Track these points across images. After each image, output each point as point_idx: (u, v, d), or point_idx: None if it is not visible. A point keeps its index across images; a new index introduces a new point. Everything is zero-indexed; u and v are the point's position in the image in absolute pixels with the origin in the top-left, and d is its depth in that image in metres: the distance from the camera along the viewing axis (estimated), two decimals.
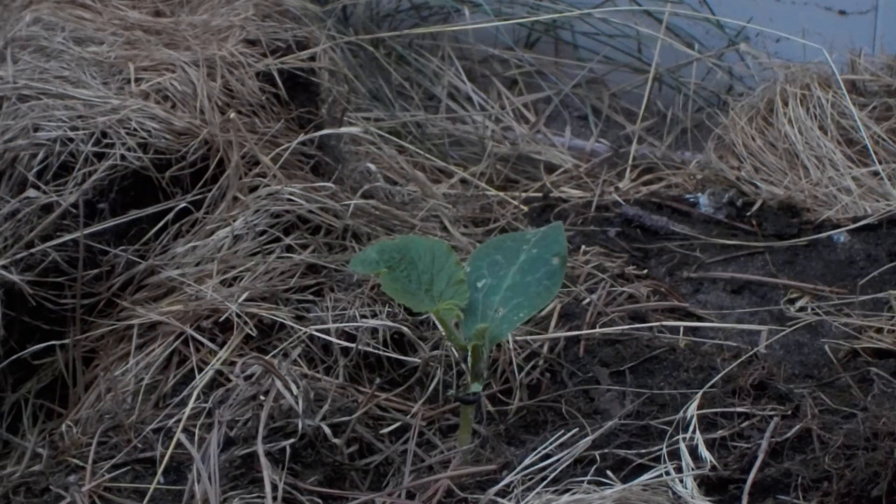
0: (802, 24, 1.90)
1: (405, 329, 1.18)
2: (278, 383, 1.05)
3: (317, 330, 1.16)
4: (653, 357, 1.25)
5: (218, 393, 1.09)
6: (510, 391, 1.21)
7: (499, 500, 1.01)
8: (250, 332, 1.17)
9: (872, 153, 1.62)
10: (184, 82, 1.37)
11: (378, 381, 1.15)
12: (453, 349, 1.17)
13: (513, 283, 1.06)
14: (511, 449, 1.10)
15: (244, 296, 1.19)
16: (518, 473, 1.04)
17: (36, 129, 1.28)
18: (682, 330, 1.35)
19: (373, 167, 1.56)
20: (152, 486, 1.00)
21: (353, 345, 1.16)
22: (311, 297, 1.22)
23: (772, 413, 1.13)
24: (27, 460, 1.12)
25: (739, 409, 1.13)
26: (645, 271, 1.50)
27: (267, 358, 1.10)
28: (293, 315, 1.19)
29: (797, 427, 1.09)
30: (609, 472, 1.06)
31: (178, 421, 1.06)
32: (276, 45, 1.48)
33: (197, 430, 1.04)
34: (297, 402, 1.03)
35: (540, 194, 1.71)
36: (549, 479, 1.04)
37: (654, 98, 1.97)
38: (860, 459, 1.03)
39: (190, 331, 1.17)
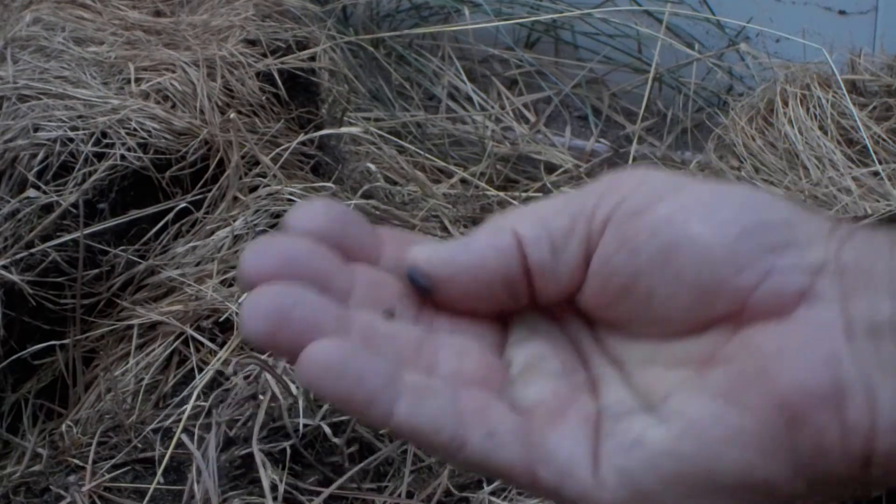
0: (802, 24, 1.90)
1: None
2: (278, 383, 1.05)
3: None
4: None
5: (218, 393, 1.09)
6: None
7: (493, 499, 1.01)
8: None
9: (872, 153, 1.61)
10: (184, 82, 1.37)
11: None
12: None
13: None
14: None
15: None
16: None
17: (36, 129, 1.28)
18: None
19: (373, 167, 1.56)
20: (152, 486, 1.00)
21: None
22: None
23: None
24: (27, 460, 1.12)
25: None
26: None
27: (266, 357, 1.10)
28: None
29: None
30: None
31: (178, 421, 1.06)
32: (276, 45, 1.48)
33: (197, 430, 1.04)
34: (296, 402, 1.03)
35: (540, 194, 1.71)
36: None
37: (654, 98, 1.97)
38: None
39: (190, 331, 1.17)
